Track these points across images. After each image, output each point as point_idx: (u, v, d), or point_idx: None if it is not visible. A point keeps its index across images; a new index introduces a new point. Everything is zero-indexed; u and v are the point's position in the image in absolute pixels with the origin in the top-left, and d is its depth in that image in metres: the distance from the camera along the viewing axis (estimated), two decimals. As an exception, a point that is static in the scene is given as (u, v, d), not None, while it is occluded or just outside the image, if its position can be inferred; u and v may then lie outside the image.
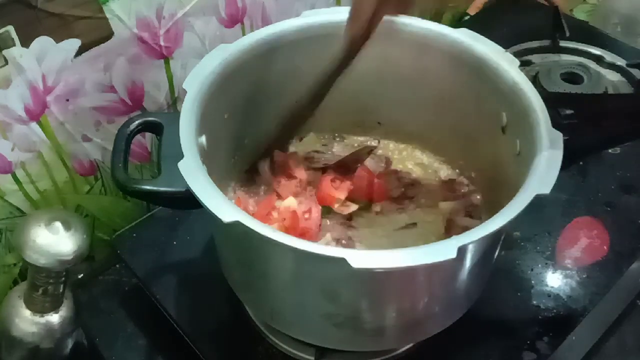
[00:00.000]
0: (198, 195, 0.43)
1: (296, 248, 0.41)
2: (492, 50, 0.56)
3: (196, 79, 0.52)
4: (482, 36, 0.57)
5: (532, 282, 0.64)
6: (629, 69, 0.86)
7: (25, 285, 0.52)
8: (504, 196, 0.47)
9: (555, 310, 0.61)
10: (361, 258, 0.40)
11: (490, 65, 0.56)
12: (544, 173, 0.46)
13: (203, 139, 0.51)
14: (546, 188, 0.44)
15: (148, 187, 0.49)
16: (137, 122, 0.53)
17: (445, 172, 0.66)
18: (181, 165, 0.45)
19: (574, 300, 0.62)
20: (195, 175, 0.45)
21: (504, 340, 0.59)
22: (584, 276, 0.64)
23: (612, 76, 0.86)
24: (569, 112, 0.53)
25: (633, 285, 0.66)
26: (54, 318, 0.52)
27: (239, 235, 0.46)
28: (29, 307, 0.51)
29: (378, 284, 0.47)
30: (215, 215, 0.42)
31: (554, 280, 0.64)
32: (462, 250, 0.41)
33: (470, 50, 0.57)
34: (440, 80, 0.61)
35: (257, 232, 0.41)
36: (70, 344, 0.55)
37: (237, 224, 0.42)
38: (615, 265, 0.65)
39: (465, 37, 0.58)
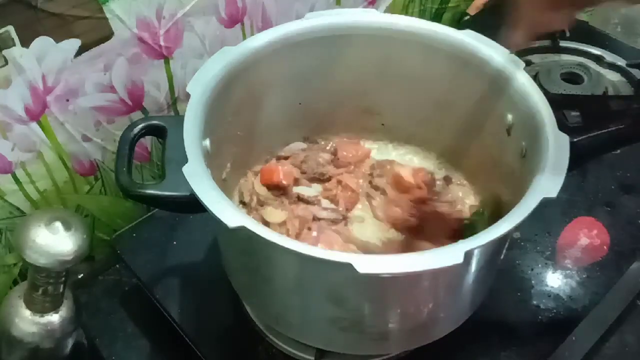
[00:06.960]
0: (203, 200, 0.43)
1: (302, 253, 0.41)
2: (497, 51, 0.56)
3: (200, 82, 0.52)
4: (487, 38, 0.57)
5: (532, 282, 0.64)
6: (629, 69, 0.86)
7: (25, 285, 0.51)
8: (509, 198, 0.47)
9: (555, 310, 0.61)
10: (367, 263, 0.40)
11: (495, 66, 0.55)
12: (550, 176, 0.45)
13: (207, 142, 0.50)
14: (553, 191, 0.44)
15: (152, 192, 0.48)
16: (140, 125, 0.53)
17: (447, 173, 0.66)
18: (185, 169, 0.45)
19: (574, 300, 0.62)
20: (199, 180, 0.44)
21: (504, 340, 0.59)
22: (584, 276, 0.64)
23: (612, 76, 0.86)
24: (575, 114, 0.52)
25: (633, 285, 0.65)
26: (54, 318, 0.52)
27: (244, 240, 0.45)
28: (29, 307, 0.51)
29: (384, 288, 0.47)
30: (221, 221, 0.42)
31: (554, 280, 0.64)
32: (468, 255, 0.40)
33: (476, 51, 0.57)
34: (445, 81, 0.60)
35: (262, 237, 0.41)
36: (70, 344, 0.55)
37: (242, 229, 0.41)
38: (615, 265, 0.65)
39: (470, 39, 0.58)
